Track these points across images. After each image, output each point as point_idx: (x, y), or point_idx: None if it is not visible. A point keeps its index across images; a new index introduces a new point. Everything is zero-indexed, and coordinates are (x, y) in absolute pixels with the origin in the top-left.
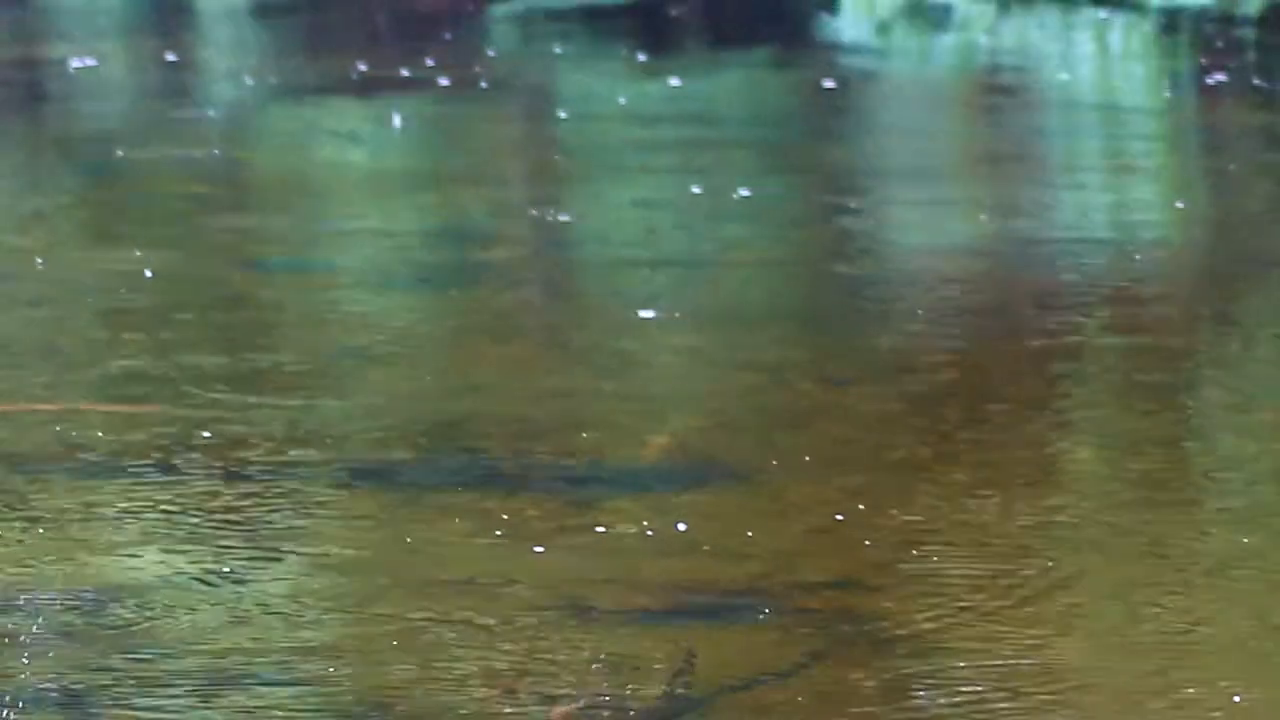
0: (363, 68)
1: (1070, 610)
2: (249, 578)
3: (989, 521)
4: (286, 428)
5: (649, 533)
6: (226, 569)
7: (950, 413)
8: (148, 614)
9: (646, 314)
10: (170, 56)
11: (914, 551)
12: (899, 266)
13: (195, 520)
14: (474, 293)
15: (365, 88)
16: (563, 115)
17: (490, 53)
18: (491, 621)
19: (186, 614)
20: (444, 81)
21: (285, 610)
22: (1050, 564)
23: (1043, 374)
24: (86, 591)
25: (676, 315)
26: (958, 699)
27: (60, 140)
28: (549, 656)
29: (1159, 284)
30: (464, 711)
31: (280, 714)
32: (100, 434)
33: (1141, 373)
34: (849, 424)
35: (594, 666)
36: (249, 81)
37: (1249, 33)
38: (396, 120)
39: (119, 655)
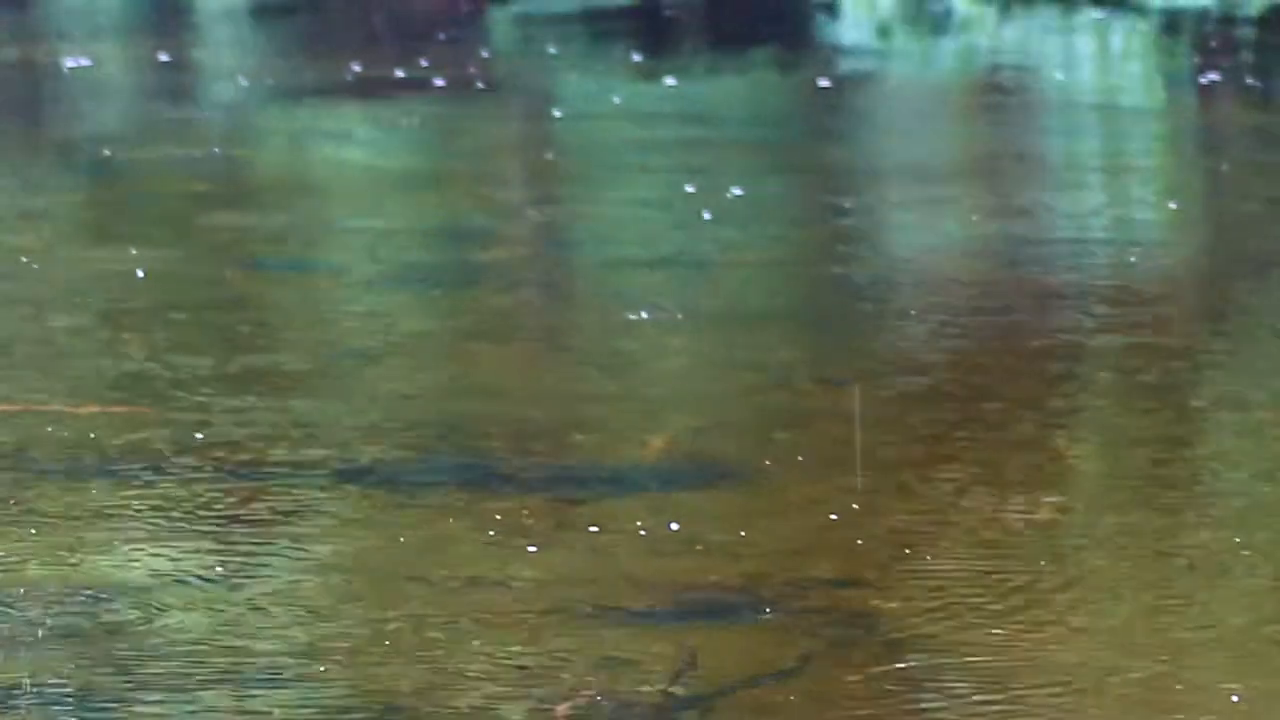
0: (361, 68)
1: (1070, 610)
2: (246, 578)
3: (988, 521)
4: (283, 428)
5: (648, 533)
6: (222, 569)
7: (949, 412)
8: (145, 614)
9: (644, 314)
10: (168, 57)
11: (913, 551)
12: (898, 267)
13: (193, 520)
14: (471, 293)
15: (363, 88)
16: (560, 115)
17: (492, 54)
18: (491, 621)
19: (183, 614)
20: (442, 82)
21: (282, 610)
22: (1049, 564)
23: (1041, 373)
24: (82, 591)
25: (675, 315)
26: (958, 699)
27: (58, 140)
28: (549, 656)
29: (1157, 284)
30: (463, 712)
31: (276, 714)
32: (99, 434)
33: (1140, 372)
34: (848, 424)
35: (594, 666)
36: (248, 82)
37: (1249, 33)
38: (395, 121)
39: (116, 655)
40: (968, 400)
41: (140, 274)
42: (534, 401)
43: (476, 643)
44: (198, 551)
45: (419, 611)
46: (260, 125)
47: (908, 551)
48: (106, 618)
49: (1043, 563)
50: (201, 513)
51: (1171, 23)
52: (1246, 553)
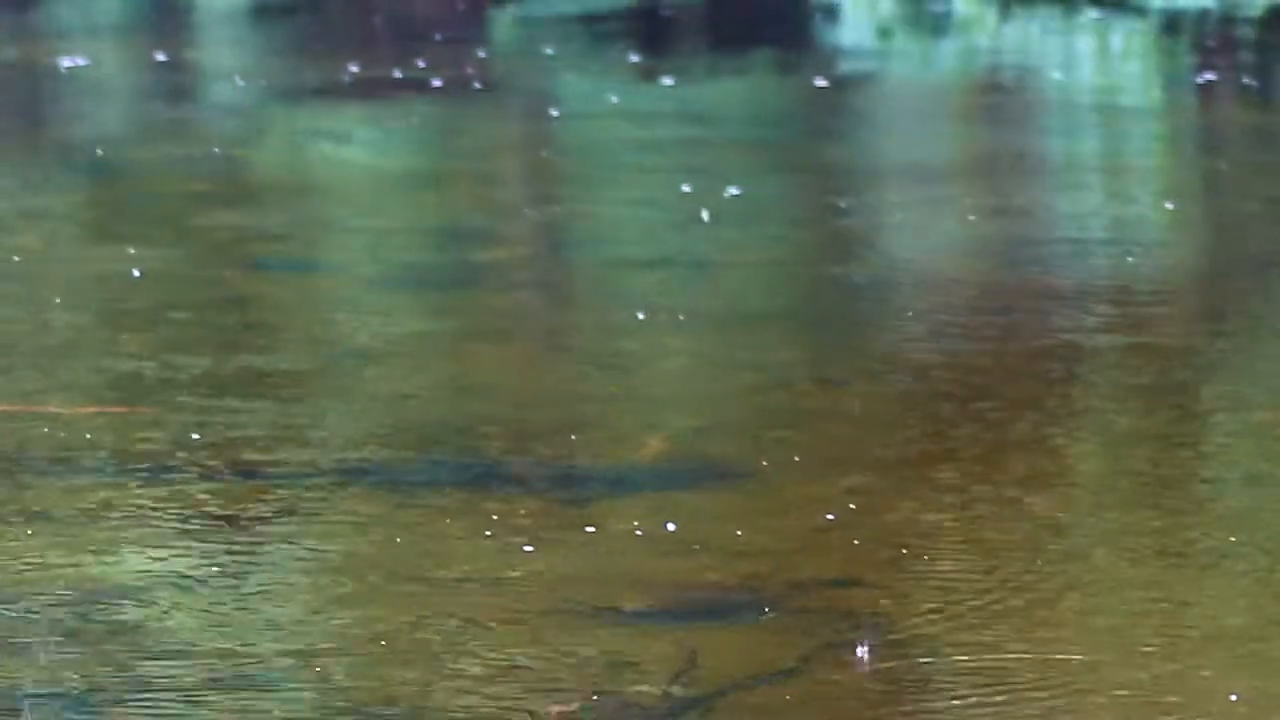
0: (360, 69)
1: (1070, 610)
2: (245, 578)
3: (988, 521)
4: (283, 428)
5: (647, 533)
6: (221, 569)
7: (948, 412)
8: (145, 614)
9: (643, 314)
10: (167, 57)
11: (913, 551)
12: (898, 267)
13: (192, 520)
14: (471, 293)
15: (362, 88)
16: (558, 115)
17: (490, 54)
18: (491, 621)
19: (183, 614)
20: (440, 83)
21: (281, 610)
22: (1049, 564)
23: (1041, 373)
24: (82, 591)
25: (674, 315)
26: (958, 699)
27: (57, 140)
28: (548, 656)
29: (1157, 284)
30: (463, 712)
31: (275, 714)
32: (97, 435)
33: (1139, 372)
34: (847, 424)
35: (593, 666)
36: (247, 82)
37: (1249, 33)
38: (394, 121)
39: (115, 655)
40: (968, 400)
41: (139, 274)
42: (534, 401)
43: (475, 643)
44: (197, 552)
45: (418, 611)
46: (260, 125)
47: (907, 552)
48: (106, 618)
49: (1042, 563)
50: (200, 513)
51: (1171, 23)
52: (1246, 552)
